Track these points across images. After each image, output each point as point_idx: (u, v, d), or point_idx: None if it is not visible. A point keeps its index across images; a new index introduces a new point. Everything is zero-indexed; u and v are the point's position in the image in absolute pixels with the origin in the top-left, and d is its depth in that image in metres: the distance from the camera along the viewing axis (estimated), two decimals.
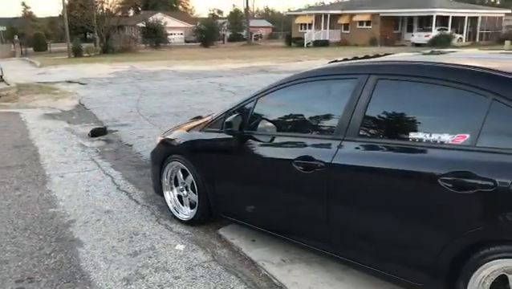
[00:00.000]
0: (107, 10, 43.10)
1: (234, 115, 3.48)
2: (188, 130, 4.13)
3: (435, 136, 2.51)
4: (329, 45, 41.42)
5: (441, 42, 33.47)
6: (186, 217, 4.09)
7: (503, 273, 2.28)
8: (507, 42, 30.77)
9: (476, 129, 2.37)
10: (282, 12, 79.49)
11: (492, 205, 2.25)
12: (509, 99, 2.29)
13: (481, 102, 2.38)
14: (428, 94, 2.67)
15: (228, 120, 3.45)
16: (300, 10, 49.25)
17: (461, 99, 2.53)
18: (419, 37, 38.25)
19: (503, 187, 2.18)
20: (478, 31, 43.03)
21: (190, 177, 3.95)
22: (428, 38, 36.17)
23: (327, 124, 3.13)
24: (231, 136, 3.53)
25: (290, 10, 55.93)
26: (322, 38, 43.11)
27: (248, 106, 3.54)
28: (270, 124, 3.40)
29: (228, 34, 63.73)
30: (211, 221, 4.00)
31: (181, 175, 4.09)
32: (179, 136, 4.19)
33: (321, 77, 3.22)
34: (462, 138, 2.41)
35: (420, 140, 2.56)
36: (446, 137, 2.47)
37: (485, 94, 2.38)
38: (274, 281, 3.17)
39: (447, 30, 38.80)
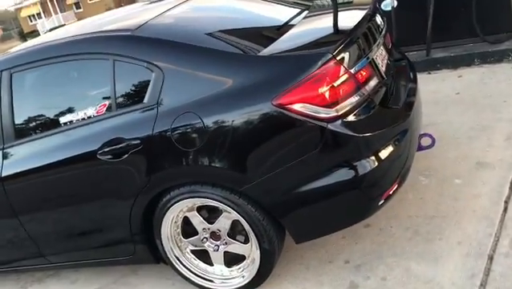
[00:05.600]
0: None
1: None
2: None
3: (81, 114, 2.43)
4: None
5: None
6: None
7: (185, 215, 2.40)
8: None
9: (111, 94, 2.35)
10: (7, 8, 70.96)
11: (149, 160, 2.27)
12: (124, 56, 2.30)
13: (106, 66, 2.34)
14: (63, 73, 2.55)
15: None
16: (22, 2, 44.63)
17: (92, 70, 2.46)
18: None
19: (148, 140, 2.23)
20: None
21: None
22: None
23: None
24: None
25: (16, 4, 50.17)
26: (58, 25, 40.20)
27: None
28: None
29: None
30: None
31: None
32: None
33: None
34: (104, 107, 2.38)
35: (72, 122, 2.45)
36: (91, 111, 2.41)
37: (107, 57, 2.34)
38: None
39: None
